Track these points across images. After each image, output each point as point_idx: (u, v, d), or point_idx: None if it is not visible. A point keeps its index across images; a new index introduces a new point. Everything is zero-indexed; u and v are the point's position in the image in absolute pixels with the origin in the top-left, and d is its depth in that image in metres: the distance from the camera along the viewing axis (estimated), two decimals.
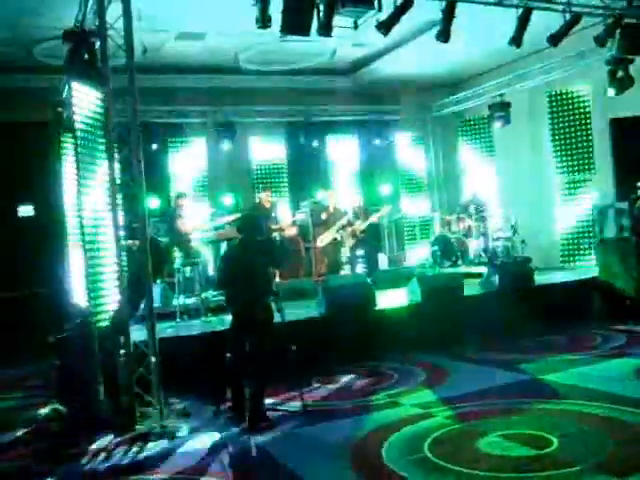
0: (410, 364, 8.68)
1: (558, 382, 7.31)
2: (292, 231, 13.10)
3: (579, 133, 13.58)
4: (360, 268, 13.23)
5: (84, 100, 7.51)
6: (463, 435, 5.82)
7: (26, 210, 12.78)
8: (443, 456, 5.28)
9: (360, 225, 13.03)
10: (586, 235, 13.29)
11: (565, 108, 13.76)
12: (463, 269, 13.45)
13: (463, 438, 5.73)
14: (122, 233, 7.32)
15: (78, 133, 7.44)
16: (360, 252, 13.27)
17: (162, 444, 6.21)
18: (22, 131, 12.16)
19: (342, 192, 14.91)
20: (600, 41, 10.37)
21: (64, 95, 9.00)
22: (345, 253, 13.23)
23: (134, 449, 6.12)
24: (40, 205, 12.51)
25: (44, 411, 7.44)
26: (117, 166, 7.30)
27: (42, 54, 11.72)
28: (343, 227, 12.93)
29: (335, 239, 12.89)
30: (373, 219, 13.31)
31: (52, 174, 10.58)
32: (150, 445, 6.20)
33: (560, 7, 9.68)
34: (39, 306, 11.13)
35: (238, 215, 11.51)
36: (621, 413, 6.01)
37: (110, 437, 6.43)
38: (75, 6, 8.16)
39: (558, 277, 12.24)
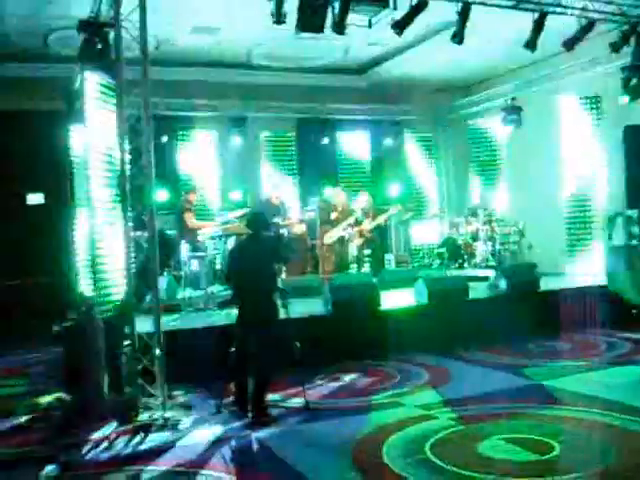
0: (414, 365, 8.67)
1: (562, 388, 7.29)
2: (300, 228, 13.11)
3: (591, 139, 13.54)
4: (367, 267, 13.24)
5: (97, 90, 7.53)
6: (465, 437, 5.82)
7: (36, 198, 12.82)
8: (444, 458, 5.27)
9: (368, 224, 13.03)
10: (595, 241, 13.25)
11: (577, 113, 13.71)
12: (469, 272, 13.41)
13: (465, 440, 5.73)
14: (130, 224, 7.34)
15: (89, 123, 7.46)
16: (367, 251, 13.28)
17: (164, 436, 6.23)
18: (34, 120, 12.18)
19: (351, 191, 14.90)
20: (615, 48, 10.35)
21: (77, 85, 9.02)
22: (352, 252, 13.24)
23: (136, 439, 6.13)
24: (50, 194, 12.54)
25: (47, 399, 7.49)
26: (127, 157, 7.32)
27: (56, 43, 11.74)
28: (350, 226, 12.94)
29: (342, 237, 12.90)
30: (381, 219, 13.31)
31: (62, 163, 10.63)
32: (152, 436, 6.21)
33: (576, 12, 9.65)
34: (45, 294, 11.18)
35: (247, 210, 11.56)
36: (624, 421, 5.99)
37: (112, 427, 6.45)
38: None
39: (564, 283, 12.21)
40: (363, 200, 13.56)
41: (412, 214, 15.73)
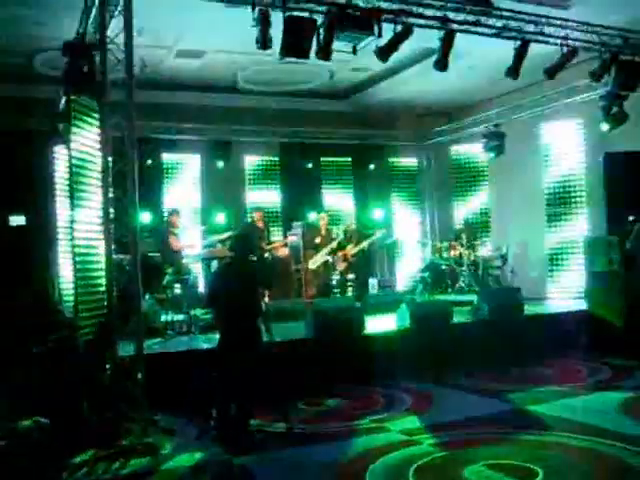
0: (397, 390, 8.64)
1: (544, 413, 7.29)
2: (284, 252, 13.10)
3: (572, 165, 13.70)
4: (350, 292, 13.24)
5: (81, 112, 7.52)
6: (448, 463, 5.79)
7: (17, 220, 12.71)
8: None
9: (352, 249, 13.06)
10: (576, 267, 13.35)
11: (559, 140, 13.88)
12: (453, 297, 13.45)
13: (448, 466, 5.70)
14: (113, 247, 7.30)
15: (73, 145, 7.44)
16: (351, 276, 13.31)
17: (145, 461, 6.14)
18: (17, 140, 12.12)
19: (335, 215, 14.95)
20: (596, 76, 10.50)
21: (61, 106, 9.00)
22: (336, 276, 13.25)
23: (116, 464, 6.04)
24: (32, 215, 12.44)
25: (25, 423, 7.36)
26: (110, 179, 7.29)
27: (41, 64, 11.74)
28: (334, 250, 12.96)
29: (326, 262, 12.91)
30: (365, 244, 13.34)
31: (45, 185, 10.57)
32: (133, 461, 6.12)
33: (558, 41, 9.79)
34: (26, 316, 11.04)
35: (230, 233, 11.54)
36: (606, 447, 5.99)
37: (92, 451, 6.35)
38: (77, 18, 8.20)
39: (547, 308, 12.28)
40: (347, 224, 13.60)
41: (395, 239, 15.79)
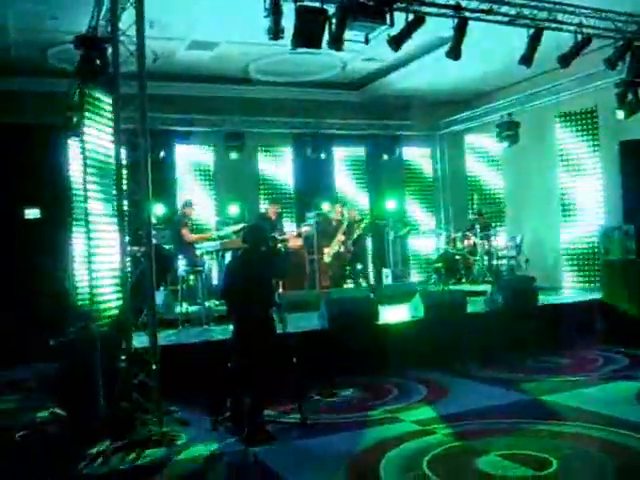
0: (411, 380, 8.64)
1: (559, 403, 7.26)
2: (297, 243, 13.11)
3: (587, 154, 13.60)
4: (363, 282, 13.25)
5: (94, 105, 7.55)
6: (462, 453, 5.79)
7: (32, 213, 12.79)
8: (442, 474, 5.24)
9: (347, 238, 13.06)
10: (591, 256, 13.29)
11: (574, 129, 13.79)
12: (467, 287, 13.42)
13: (462, 456, 5.70)
14: (127, 239, 7.33)
15: (86, 137, 7.47)
16: (360, 266, 13.32)
17: (160, 451, 6.18)
18: (31, 133, 12.20)
19: (348, 206, 14.93)
20: (610, 64, 10.41)
21: (74, 100, 9.03)
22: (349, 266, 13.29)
23: (132, 455, 6.08)
24: (47, 208, 12.52)
25: (42, 414, 7.45)
26: (124, 172, 7.32)
27: (55, 58, 11.80)
28: (342, 241, 12.97)
29: (338, 252, 12.92)
30: (357, 231, 13.32)
31: (59, 178, 10.63)
32: (148, 452, 6.16)
33: (572, 28, 9.71)
34: (42, 308, 11.14)
35: (244, 225, 11.56)
36: (622, 437, 5.96)
37: (108, 442, 6.39)
38: (89, 12, 8.22)
39: (562, 297, 12.23)
40: (351, 214, 13.56)
41: (409, 229, 15.78)
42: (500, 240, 14.86)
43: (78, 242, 9.34)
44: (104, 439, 6.44)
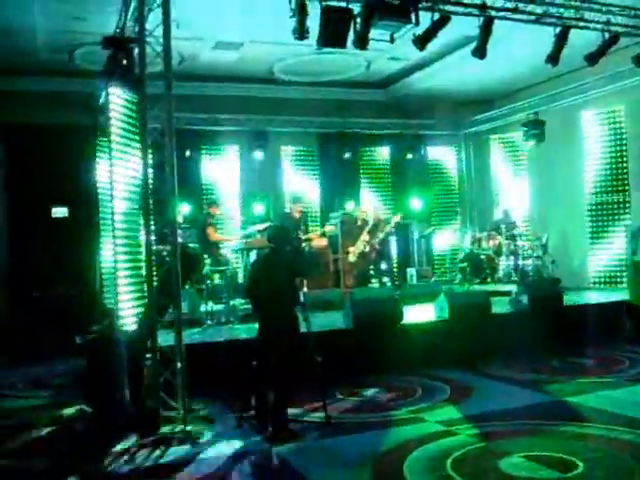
0: (435, 380, 8.61)
1: (585, 405, 7.20)
2: (321, 242, 13.12)
3: (614, 154, 13.47)
4: (388, 282, 13.23)
5: (121, 105, 7.62)
6: (486, 454, 5.76)
7: (60, 212, 12.94)
8: (466, 475, 5.22)
9: (372, 238, 13.02)
10: (618, 257, 13.16)
11: (600, 128, 13.65)
12: (492, 287, 13.34)
13: (486, 457, 5.67)
14: (153, 238, 7.38)
15: (113, 137, 7.55)
16: (384, 266, 13.30)
17: (184, 449, 6.23)
18: (59, 134, 12.35)
19: (373, 205, 14.92)
20: (638, 61, 10.28)
21: (102, 100, 9.13)
22: (374, 266, 13.28)
23: (156, 452, 6.14)
24: (74, 207, 12.66)
25: (70, 411, 7.54)
26: (150, 171, 7.38)
27: (82, 59, 11.92)
28: (367, 241, 12.95)
29: (363, 251, 12.90)
30: (386, 229, 13.26)
31: (87, 177, 10.74)
32: (172, 449, 6.22)
33: (599, 26, 9.61)
34: (69, 306, 11.27)
35: (268, 224, 11.60)
36: None
37: (133, 439, 6.47)
38: (116, 12, 8.31)
39: (588, 298, 12.11)
40: (375, 214, 13.52)
41: (434, 229, 15.74)
42: (526, 240, 14.75)
43: (105, 241, 9.44)
44: (129, 436, 6.52)
